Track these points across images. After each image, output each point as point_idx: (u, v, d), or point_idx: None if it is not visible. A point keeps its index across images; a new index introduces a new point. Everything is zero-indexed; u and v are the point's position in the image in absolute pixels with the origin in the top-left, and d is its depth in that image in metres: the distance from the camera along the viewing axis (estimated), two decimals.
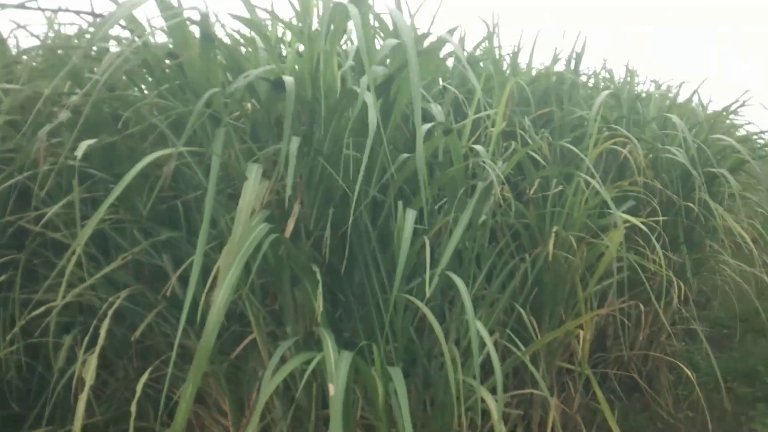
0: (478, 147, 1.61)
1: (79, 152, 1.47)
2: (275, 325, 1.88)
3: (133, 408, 1.51)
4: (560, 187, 2.26)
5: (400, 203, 1.61)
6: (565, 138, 2.59)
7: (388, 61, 1.86)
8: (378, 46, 2.04)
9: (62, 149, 1.76)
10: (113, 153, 1.85)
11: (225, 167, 1.61)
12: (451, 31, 2.24)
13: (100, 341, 1.61)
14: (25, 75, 2.01)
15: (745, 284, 3.28)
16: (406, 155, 1.74)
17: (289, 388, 1.92)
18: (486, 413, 2.35)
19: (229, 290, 1.25)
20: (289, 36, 2.19)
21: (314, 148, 1.57)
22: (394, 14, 1.63)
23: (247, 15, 1.93)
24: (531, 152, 2.26)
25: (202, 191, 1.74)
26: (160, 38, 2.04)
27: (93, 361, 1.60)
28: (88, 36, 2.24)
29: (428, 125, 1.78)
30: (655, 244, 2.38)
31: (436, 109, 1.81)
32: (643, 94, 3.49)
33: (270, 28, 2.23)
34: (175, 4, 1.75)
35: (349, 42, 2.16)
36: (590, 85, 3.54)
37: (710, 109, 4.00)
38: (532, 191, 2.17)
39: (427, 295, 1.50)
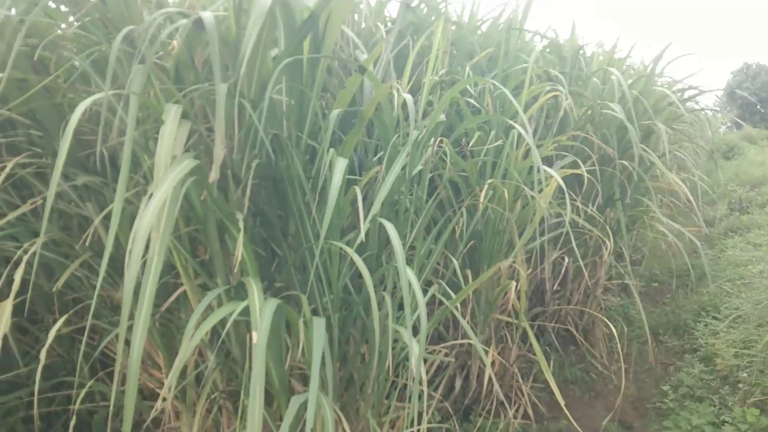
0: (406, 96, 1.58)
1: None
2: (207, 276, 1.84)
3: (43, 355, 1.46)
4: (500, 141, 2.26)
5: (331, 150, 1.57)
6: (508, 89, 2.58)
7: None
8: None
9: None
10: (28, 92, 1.74)
11: (145, 108, 1.54)
12: None
13: (15, 287, 1.54)
14: None
15: (678, 241, 3.39)
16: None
17: (223, 341, 1.90)
18: (427, 363, 2.39)
19: (155, 213, 1.19)
20: None
21: (241, 93, 1.51)
22: None
23: None
24: (472, 104, 2.23)
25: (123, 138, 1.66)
26: None
27: (6, 309, 1.53)
28: None
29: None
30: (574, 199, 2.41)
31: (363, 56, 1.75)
32: (587, 53, 3.51)
33: None
34: None
35: None
36: (535, 43, 3.53)
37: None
38: (471, 144, 2.16)
39: (357, 240, 1.48)
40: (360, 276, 2.13)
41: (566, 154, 2.69)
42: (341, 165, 1.48)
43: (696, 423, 2.78)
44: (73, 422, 1.66)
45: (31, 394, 2.25)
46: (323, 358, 1.47)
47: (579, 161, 2.54)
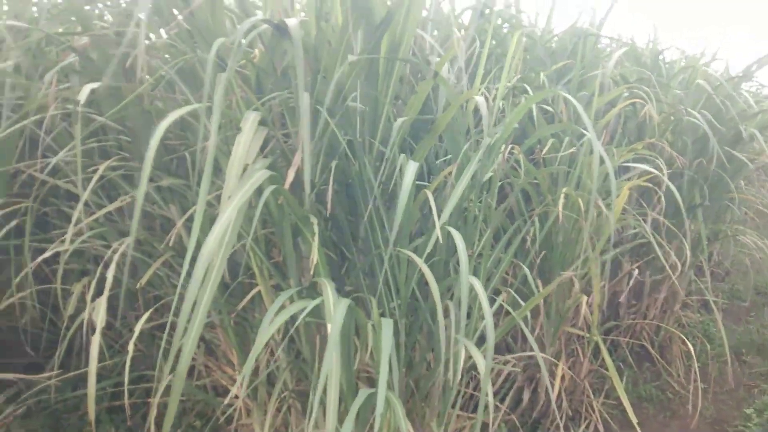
0: (478, 98, 1.57)
1: (82, 96, 1.46)
2: (280, 278, 1.89)
3: (131, 347, 1.54)
4: (573, 149, 2.21)
5: (402, 156, 1.58)
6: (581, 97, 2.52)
7: None
8: None
9: (70, 94, 1.76)
10: (120, 101, 1.85)
11: (227, 115, 1.60)
12: None
13: (108, 285, 1.64)
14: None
15: (765, 257, 3.21)
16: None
17: (293, 341, 1.95)
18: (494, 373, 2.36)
19: (219, 238, 1.23)
20: None
21: (316, 99, 1.55)
22: None
23: None
24: (546, 109, 2.20)
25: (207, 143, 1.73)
26: None
27: (102, 304, 1.63)
28: None
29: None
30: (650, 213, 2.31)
31: (436, 59, 1.76)
32: (667, 59, 3.38)
33: None
34: None
35: None
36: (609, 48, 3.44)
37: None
38: (544, 151, 2.12)
39: (428, 249, 1.48)
40: (427, 283, 2.14)
41: (646, 160, 2.60)
42: (412, 169, 1.49)
43: None
44: (153, 414, 1.74)
45: (114, 386, 2.39)
46: (390, 361, 1.48)
47: (661, 168, 2.45)
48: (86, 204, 1.97)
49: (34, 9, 2.22)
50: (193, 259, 1.32)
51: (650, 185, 2.39)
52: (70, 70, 1.87)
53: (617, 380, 2.40)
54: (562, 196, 2.01)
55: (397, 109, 1.91)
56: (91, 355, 1.65)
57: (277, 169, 1.56)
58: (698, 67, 2.95)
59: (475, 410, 2.54)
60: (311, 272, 1.75)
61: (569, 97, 1.50)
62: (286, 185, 1.47)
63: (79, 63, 1.80)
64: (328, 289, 1.40)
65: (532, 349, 2.63)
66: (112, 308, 2.49)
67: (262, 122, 1.40)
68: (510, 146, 1.96)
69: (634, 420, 2.36)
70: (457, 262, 2.17)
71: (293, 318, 1.55)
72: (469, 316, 2.04)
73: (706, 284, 3.45)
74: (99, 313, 1.71)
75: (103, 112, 1.97)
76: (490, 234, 1.90)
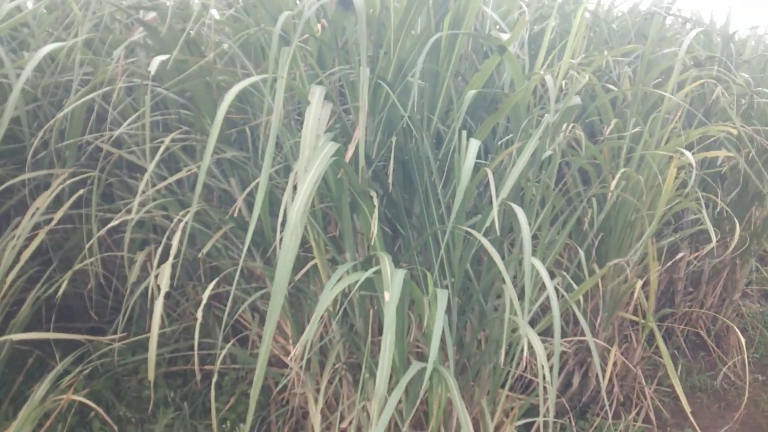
0: (547, 77, 1.53)
1: (153, 67, 1.50)
2: (336, 252, 1.92)
3: (199, 314, 1.58)
4: (638, 128, 2.14)
5: (463, 132, 1.56)
6: (649, 77, 2.44)
7: None
8: None
9: (136, 68, 1.80)
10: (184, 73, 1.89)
11: (289, 89, 1.61)
12: None
13: (172, 252, 1.68)
14: None
15: None
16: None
17: (347, 314, 1.97)
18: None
19: (303, 210, 1.23)
20: None
21: (378, 74, 1.55)
22: None
23: None
24: (609, 88, 2.13)
25: (270, 116, 1.75)
26: None
27: (167, 269, 1.68)
28: None
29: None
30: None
31: (505, 36, 1.72)
32: (737, 37, 3.22)
33: None
34: None
35: None
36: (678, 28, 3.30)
37: None
38: (608, 131, 2.06)
39: (486, 224, 1.47)
40: (479, 262, 2.13)
41: (706, 148, 2.50)
42: (474, 147, 1.48)
43: None
44: (215, 379, 1.79)
45: (172, 352, 2.48)
46: (444, 338, 1.48)
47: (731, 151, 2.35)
48: None
49: None
50: (256, 233, 1.34)
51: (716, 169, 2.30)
52: (135, 45, 1.91)
53: (671, 367, 2.35)
54: (618, 175, 1.96)
55: (457, 85, 1.89)
56: (154, 316, 1.71)
57: (340, 145, 1.57)
58: None
59: (524, 391, 2.53)
60: (368, 247, 1.77)
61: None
62: (347, 158, 1.48)
63: (146, 37, 1.84)
64: (386, 260, 1.41)
65: (584, 334, 2.60)
66: (171, 277, 2.57)
67: (325, 97, 1.41)
68: (571, 126, 1.92)
69: (688, 409, 2.31)
70: (510, 243, 2.16)
71: (346, 292, 1.56)
72: (521, 297, 2.02)
73: None
74: (164, 278, 1.76)
75: (165, 86, 2.02)
76: (547, 213, 1.87)
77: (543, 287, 2.16)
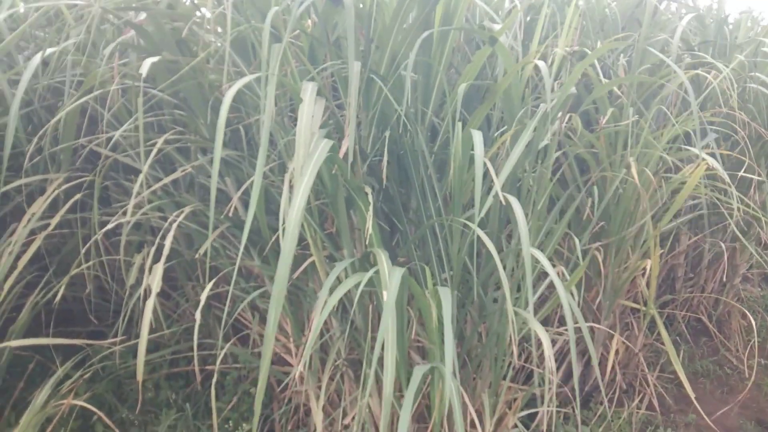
0: (539, 63, 1.52)
1: (144, 69, 1.48)
2: (333, 248, 1.91)
3: (198, 315, 1.58)
4: (635, 117, 2.13)
5: (458, 124, 1.55)
6: (644, 65, 2.43)
7: None
8: None
9: (128, 69, 1.79)
10: (176, 75, 1.88)
11: (282, 86, 1.60)
12: None
13: (165, 252, 1.68)
14: None
15: None
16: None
17: (346, 310, 1.97)
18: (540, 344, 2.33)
19: (301, 208, 1.23)
20: None
21: (370, 69, 1.54)
22: None
23: None
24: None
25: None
26: None
27: (159, 269, 1.67)
28: None
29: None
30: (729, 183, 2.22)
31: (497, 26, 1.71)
32: (731, 21, 3.20)
33: None
34: None
35: None
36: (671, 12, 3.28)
37: None
38: (605, 120, 2.05)
39: (480, 214, 1.45)
40: (478, 255, 2.12)
41: (709, 130, 2.49)
42: (479, 139, 1.46)
43: None
44: (215, 379, 1.79)
45: (173, 353, 2.47)
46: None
47: (721, 139, 2.35)
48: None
49: None
50: (252, 231, 1.33)
51: (713, 152, 2.29)
52: (127, 46, 1.90)
53: (673, 354, 2.35)
54: (625, 165, 1.95)
55: (450, 78, 1.88)
56: (144, 316, 1.69)
57: (334, 142, 1.56)
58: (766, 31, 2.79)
59: (526, 382, 2.53)
60: (363, 242, 1.76)
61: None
62: (341, 154, 1.47)
63: (137, 38, 1.82)
64: (383, 258, 1.40)
65: (585, 322, 2.60)
66: (170, 279, 2.56)
67: (318, 93, 1.40)
68: (567, 116, 1.91)
69: (692, 395, 2.31)
70: (508, 236, 2.15)
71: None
72: (519, 288, 2.02)
73: None
74: (155, 278, 1.75)
75: (158, 87, 2.01)
76: (543, 203, 1.86)
77: (541, 277, 2.16)
